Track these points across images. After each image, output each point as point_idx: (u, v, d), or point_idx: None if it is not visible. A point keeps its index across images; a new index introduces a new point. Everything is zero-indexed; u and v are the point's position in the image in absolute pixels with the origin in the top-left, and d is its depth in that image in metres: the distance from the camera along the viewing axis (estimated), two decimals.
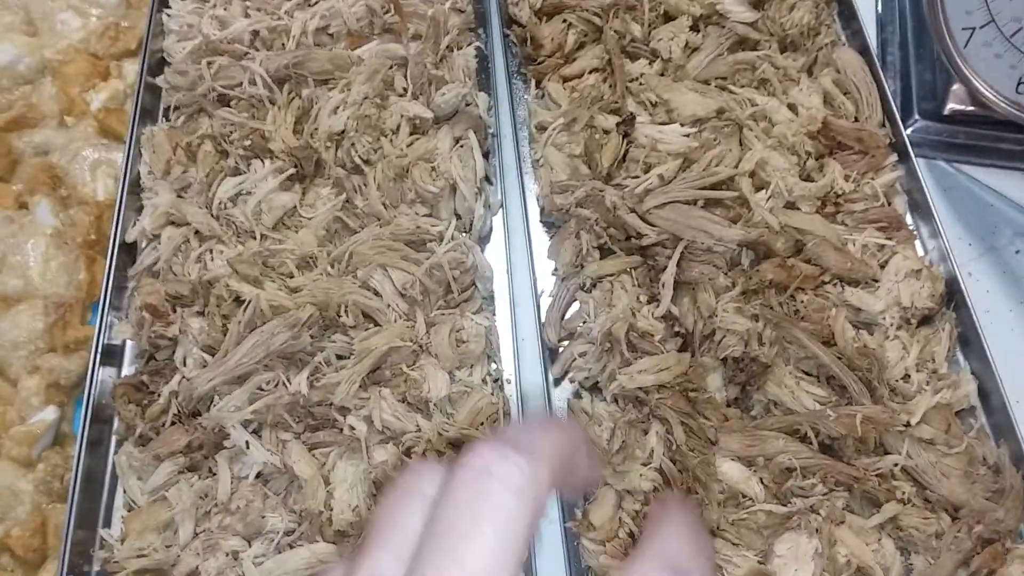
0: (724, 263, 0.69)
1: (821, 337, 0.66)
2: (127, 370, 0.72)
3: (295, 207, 0.76)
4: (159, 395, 0.68)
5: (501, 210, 0.79)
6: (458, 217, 0.77)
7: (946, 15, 0.73)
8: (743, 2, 0.83)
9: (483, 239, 0.78)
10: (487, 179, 0.80)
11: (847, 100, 0.78)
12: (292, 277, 0.72)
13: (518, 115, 0.85)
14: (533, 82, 0.86)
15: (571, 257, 0.74)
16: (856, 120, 0.78)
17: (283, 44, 0.86)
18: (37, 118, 0.84)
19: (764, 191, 0.72)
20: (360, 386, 0.66)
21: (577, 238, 0.74)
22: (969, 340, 0.68)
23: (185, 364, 0.69)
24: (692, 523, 0.33)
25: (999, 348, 0.66)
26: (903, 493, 0.61)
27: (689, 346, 0.68)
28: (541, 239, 0.78)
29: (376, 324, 0.70)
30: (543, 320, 0.72)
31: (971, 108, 0.78)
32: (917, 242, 0.74)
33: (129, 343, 0.73)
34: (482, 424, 0.67)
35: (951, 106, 0.79)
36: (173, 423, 0.67)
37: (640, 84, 0.80)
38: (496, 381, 0.70)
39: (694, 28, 0.83)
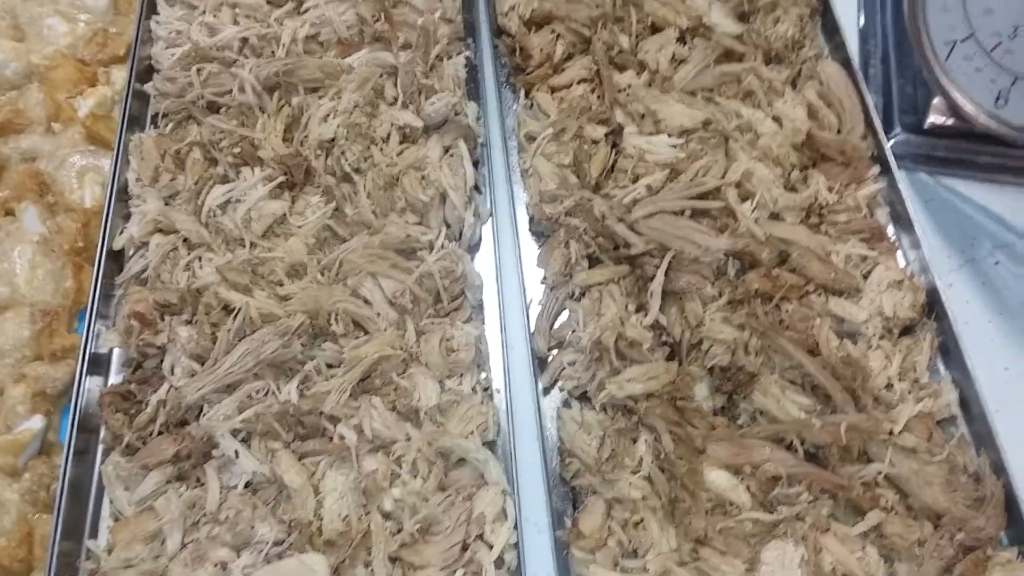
0: (711, 273, 0.70)
1: (806, 346, 0.67)
2: (114, 379, 0.72)
3: (285, 215, 0.76)
4: (147, 404, 0.68)
5: (490, 219, 0.79)
6: (448, 226, 0.77)
7: (928, 28, 0.74)
8: (729, 15, 0.84)
9: (472, 248, 0.79)
10: (476, 188, 0.81)
11: (831, 112, 0.80)
12: (282, 285, 0.72)
13: (507, 125, 0.86)
14: (522, 92, 0.86)
15: (560, 266, 0.74)
16: (839, 132, 0.79)
17: (273, 52, 0.86)
18: (24, 124, 0.84)
19: (749, 202, 0.73)
20: (350, 395, 0.66)
21: (566, 247, 0.74)
22: (949, 350, 0.69)
23: (173, 373, 0.69)
24: None
25: (979, 358, 0.67)
26: (887, 501, 0.62)
27: (676, 355, 0.69)
28: (530, 248, 0.78)
29: (366, 332, 0.70)
30: (532, 329, 0.73)
31: (951, 121, 0.80)
32: (899, 253, 0.75)
33: (116, 351, 0.73)
34: (471, 433, 0.67)
35: (932, 119, 0.80)
36: (161, 432, 0.67)
37: (628, 95, 0.81)
38: (486, 390, 0.71)
39: (681, 40, 0.84)
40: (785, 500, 0.62)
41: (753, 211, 0.73)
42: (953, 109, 0.78)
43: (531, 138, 0.82)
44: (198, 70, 0.82)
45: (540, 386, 0.71)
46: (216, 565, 0.61)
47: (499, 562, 0.61)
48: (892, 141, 0.80)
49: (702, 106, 0.79)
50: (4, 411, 0.68)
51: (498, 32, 0.90)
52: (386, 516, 0.63)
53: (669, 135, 0.78)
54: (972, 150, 0.81)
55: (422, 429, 0.66)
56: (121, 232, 0.77)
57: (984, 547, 0.60)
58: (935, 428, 0.65)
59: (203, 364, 0.68)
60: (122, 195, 0.79)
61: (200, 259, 0.74)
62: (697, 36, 0.85)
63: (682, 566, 0.59)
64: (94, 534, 0.65)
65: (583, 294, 0.73)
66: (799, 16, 0.85)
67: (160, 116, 0.84)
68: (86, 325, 0.71)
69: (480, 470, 0.66)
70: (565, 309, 0.74)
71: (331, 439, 0.65)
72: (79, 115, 0.84)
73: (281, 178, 0.77)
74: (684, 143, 0.77)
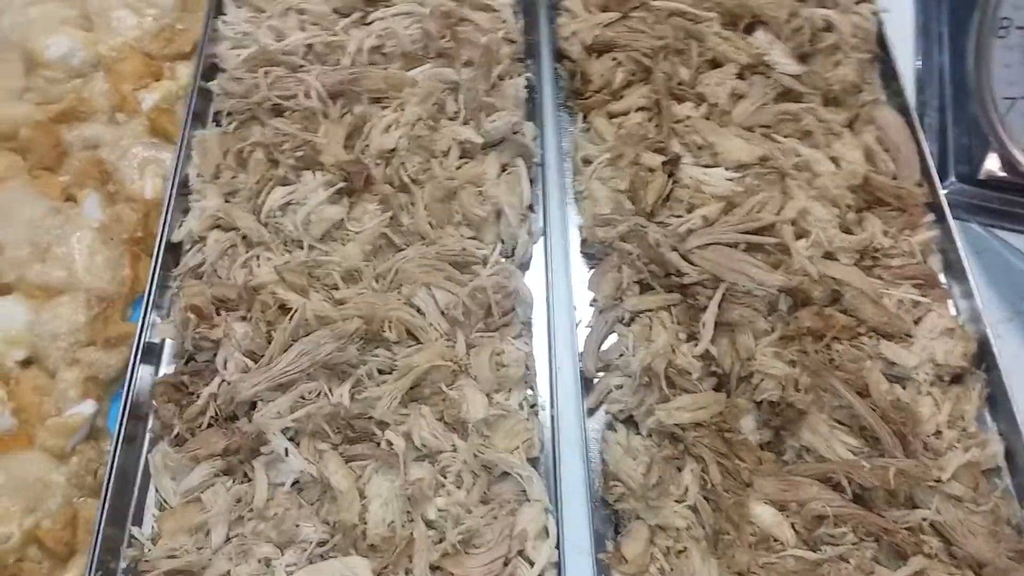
0: (763, 307, 0.70)
1: (855, 388, 0.67)
2: (165, 369, 0.73)
3: (342, 220, 0.77)
4: (198, 396, 0.68)
5: (542, 238, 0.80)
6: (501, 242, 0.78)
7: (991, 83, 0.75)
8: (790, 55, 0.85)
9: (523, 266, 0.79)
10: (530, 207, 0.81)
11: (888, 157, 0.80)
12: (336, 289, 0.73)
13: (562, 147, 0.87)
14: (579, 116, 0.87)
15: (611, 290, 0.75)
16: (895, 178, 0.80)
17: (337, 60, 0.87)
18: (88, 112, 0.85)
19: (804, 240, 0.74)
20: (400, 402, 0.67)
21: (618, 271, 0.75)
22: (997, 401, 0.70)
23: (226, 367, 0.69)
24: None
25: None
26: (930, 548, 0.62)
27: (724, 387, 0.69)
28: (580, 270, 0.79)
29: (418, 341, 0.71)
30: (581, 350, 0.73)
31: (1006, 175, 0.80)
32: (950, 301, 0.75)
33: (168, 342, 0.74)
34: (516, 449, 0.67)
35: (987, 171, 0.81)
36: (210, 425, 0.68)
37: (686, 126, 0.82)
38: (532, 407, 0.71)
39: (740, 76, 0.85)
40: (829, 540, 0.62)
41: (808, 249, 0.73)
42: (1009, 163, 0.79)
43: (587, 161, 0.83)
44: (265, 72, 0.84)
45: (585, 407, 0.71)
46: (260, 561, 0.61)
47: None
48: (945, 190, 0.81)
49: (760, 142, 0.80)
50: (56, 394, 0.69)
51: (558, 56, 0.91)
52: (429, 525, 0.63)
53: (726, 168, 0.79)
54: None
55: (468, 441, 0.67)
56: (180, 226, 0.78)
57: None
58: (981, 478, 0.65)
59: (256, 361, 0.69)
60: (182, 189, 0.80)
61: (258, 258, 0.75)
62: (756, 73, 0.86)
63: None
64: (138, 522, 0.65)
65: (632, 319, 0.74)
66: (859, 60, 0.86)
67: (224, 115, 0.85)
68: (142, 314, 0.72)
69: (523, 486, 0.66)
70: (613, 332, 0.75)
71: (379, 444, 0.66)
72: (143, 107, 0.85)
73: (341, 184, 0.78)
74: (741, 177, 0.78)
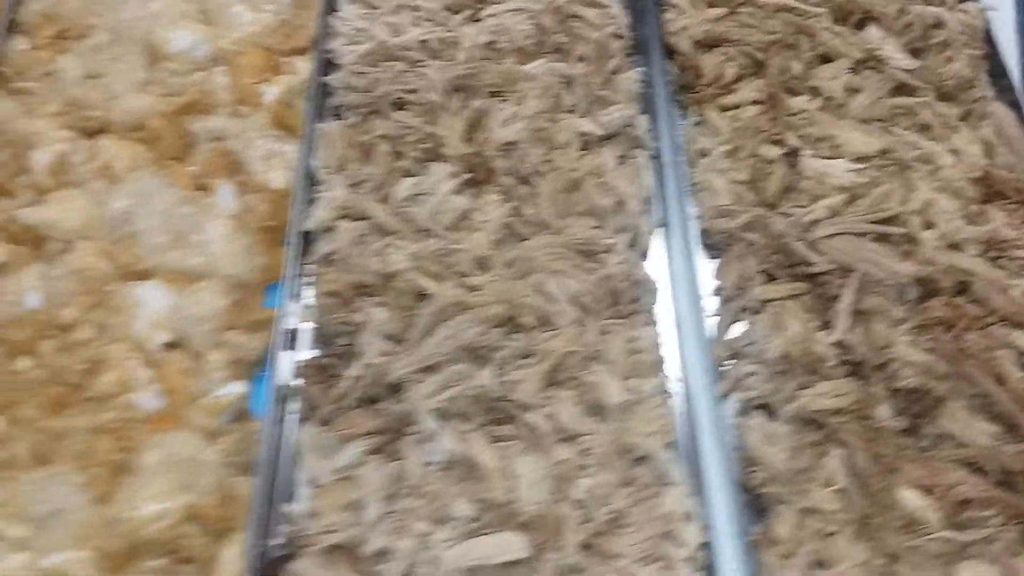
0: (895, 296, 0.71)
1: (990, 376, 0.68)
2: (305, 354, 0.74)
3: (468, 210, 0.79)
4: (342, 378, 0.70)
5: (662, 229, 0.81)
6: (623, 232, 0.80)
7: None
8: (903, 50, 0.86)
9: (643, 256, 0.81)
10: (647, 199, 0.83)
11: (1006, 150, 0.81)
12: (465, 276, 0.74)
13: (675, 139, 0.88)
14: (691, 109, 0.88)
15: (736, 279, 0.76)
16: (1012, 171, 0.81)
17: (451, 55, 0.89)
18: (210, 105, 0.87)
19: (930, 231, 0.75)
20: (539, 386, 0.68)
21: (743, 261, 0.76)
22: None
23: (367, 351, 0.71)
24: None
25: None
26: None
27: (858, 374, 0.70)
28: (700, 260, 0.80)
29: (550, 328, 0.72)
30: (709, 337, 0.74)
31: None
32: None
33: (305, 327, 0.76)
34: (653, 433, 0.68)
35: None
36: (355, 406, 0.69)
37: (802, 119, 0.83)
38: (664, 393, 0.72)
39: (853, 71, 0.86)
40: (974, 523, 0.63)
41: (934, 240, 0.74)
42: None
43: (703, 154, 0.84)
44: (385, 67, 0.86)
45: (715, 394, 0.72)
46: (417, 536, 0.63)
47: (690, 561, 0.63)
48: None
49: (880, 134, 0.81)
50: (204, 375, 0.71)
51: (667, 51, 0.92)
52: (577, 504, 0.64)
53: (847, 160, 0.80)
54: None
55: (608, 425, 0.68)
56: (308, 216, 0.80)
57: None
58: None
59: (397, 344, 0.71)
60: (308, 180, 0.82)
61: (391, 246, 0.77)
62: (868, 68, 0.87)
63: None
64: (288, 499, 0.67)
65: (760, 308, 0.75)
66: (970, 56, 0.87)
67: (346, 109, 0.87)
68: (280, 300, 0.74)
69: (662, 470, 0.67)
70: (738, 321, 0.76)
71: (522, 426, 0.67)
72: (265, 101, 0.88)
73: (467, 175, 0.80)
74: (863, 168, 0.79)
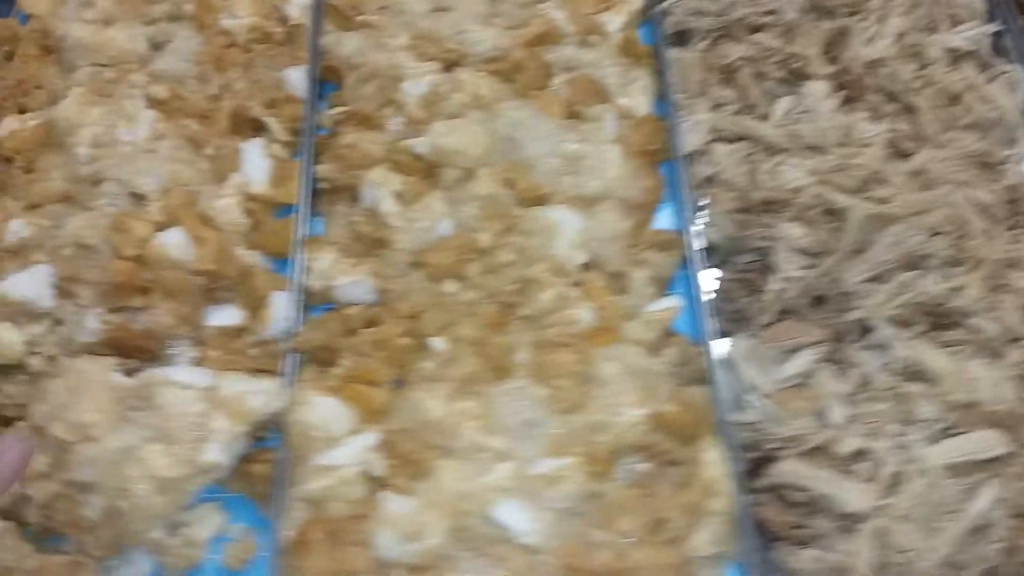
0: None
1: None
2: (718, 271, 0.76)
3: (848, 126, 0.79)
4: (764, 292, 0.72)
5: None
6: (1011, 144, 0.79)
7: None
8: None
9: None
10: None
11: None
12: (868, 191, 0.75)
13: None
14: None
15: None
16: None
17: None
18: (558, 36, 0.88)
19: None
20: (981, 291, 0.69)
21: None
22: None
23: (784, 265, 0.73)
24: None
25: None
26: None
27: None
28: None
29: (969, 238, 0.73)
30: None
31: None
32: None
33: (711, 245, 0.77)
34: None
35: None
36: (778, 319, 0.71)
37: None
38: None
39: None
40: None
41: None
42: None
43: None
44: None
45: None
46: (891, 437, 0.64)
47: None
48: None
49: None
50: (629, 292, 0.73)
51: None
52: None
53: None
54: None
55: None
56: (684, 139, 0.81)
57: None
58: None
59: (814, 258, 0.72)
60: (670, 106, 0.83)
61: (780, 164, 0.78)
62: None
63: None
64: (731, 408, 0.69)
65: None
66: None
67: (692, 34, 0.88)
68: (680, 221, 0.76)
69: None
70: None
71: (969, 331, 0.68)
72: (609, 30, 0.88)
73: (843, 92, 0.80)
74: None
